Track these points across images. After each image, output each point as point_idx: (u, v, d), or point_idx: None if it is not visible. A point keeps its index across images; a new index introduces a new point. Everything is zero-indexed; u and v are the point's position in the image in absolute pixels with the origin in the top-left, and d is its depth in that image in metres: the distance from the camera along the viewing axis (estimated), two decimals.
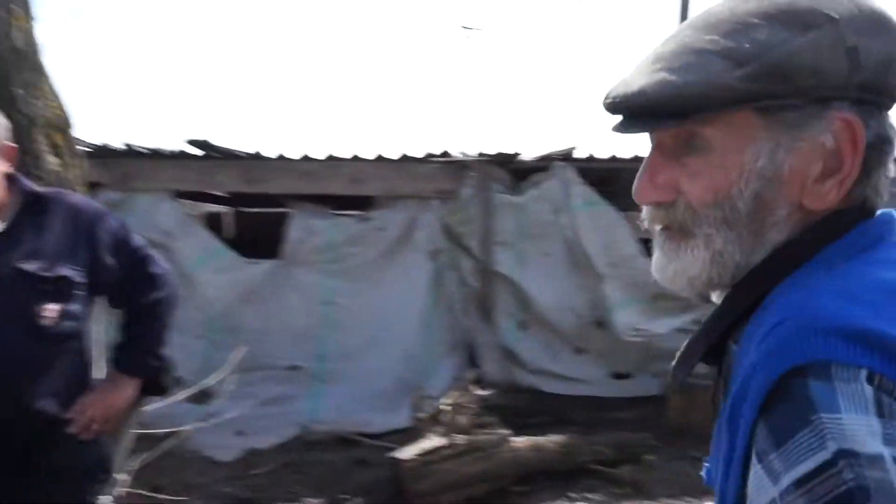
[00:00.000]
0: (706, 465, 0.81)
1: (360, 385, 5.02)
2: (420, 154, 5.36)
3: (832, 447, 0.53)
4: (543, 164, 5.43)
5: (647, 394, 5.52)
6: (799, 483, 0.54)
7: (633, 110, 0.70)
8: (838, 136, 0.66)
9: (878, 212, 0.72)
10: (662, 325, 5.55)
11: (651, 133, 0.74)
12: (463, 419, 4.17)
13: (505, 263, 5.44)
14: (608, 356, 5.64)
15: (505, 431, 4.26)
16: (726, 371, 0.74)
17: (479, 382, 4.54)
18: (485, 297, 5.50)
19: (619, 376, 5.69)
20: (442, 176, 5.31)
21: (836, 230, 0.68)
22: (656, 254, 0.78)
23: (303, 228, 5.10)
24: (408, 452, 3.87)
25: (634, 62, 0.76)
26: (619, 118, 0.74)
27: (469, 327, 5.55)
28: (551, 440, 4.46)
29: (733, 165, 0.68)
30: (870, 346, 0.57)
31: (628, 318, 5.49)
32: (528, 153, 5.55)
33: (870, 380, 0.56)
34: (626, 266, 5.52)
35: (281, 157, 5.18)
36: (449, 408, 4.20)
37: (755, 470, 0.59)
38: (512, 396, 5.19)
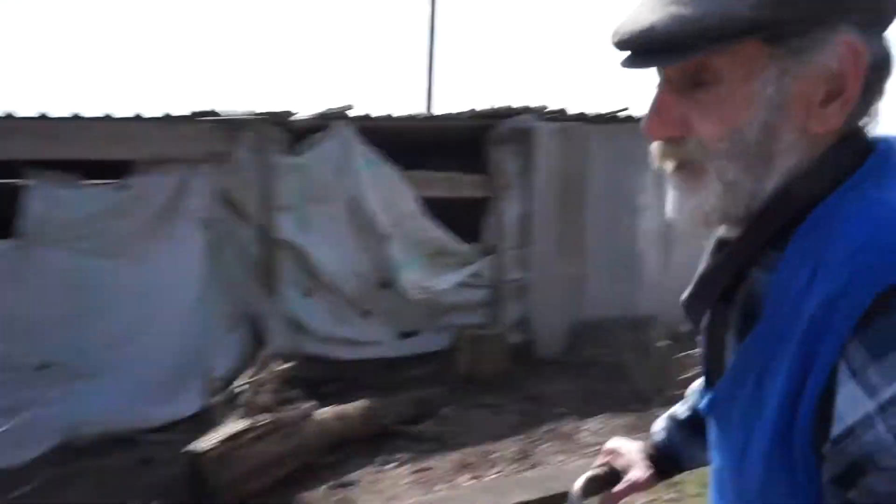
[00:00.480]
0: (709, 394, 0.81)
1: (132, 376, 4.44)
2: (185, 112, 4.79)
3: None
4: (322, 124, 5.19)
5: (436, 349, 5.68)
6: None
7: (644, 46, 0.69)
8: (842, 60, 0.66)
9: (881, 135, 0.74)
10: (445, 281, 5.72)
11: (660, 68, 0.73)
12: (265, 397, 3.89)
13: (287, 229, 5.15)
14: (395, 316, 5.67)
15: (308, 404, 4.09)
16: (748, 301, 0.74)
17: (275, 356, 4.27)
18: (267, 266, 5.17)
19: (406, 335, 5.77)
20: (212, 137, 4.81)
21: (855, 153, 0.71)
22: (671, 194, 0.77)
23: (46, 201, 4.29)
24: (207, 442, 3.52)
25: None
26: (626, 54, 0.72)
27: (251, 299, 5.19)
28: (354, 407, 4.38)
29: (742, 96, 0.68)
30: None
31: (413, 277, 5.56)
32: (303, 112, 5.26)
33: None
34: (408, 225, 5.56)
35: (9, 117, 4.27)
36: (247, 387, 3.88)
37: (847, 388, 0.59)
38: (303, 367, 5.00)
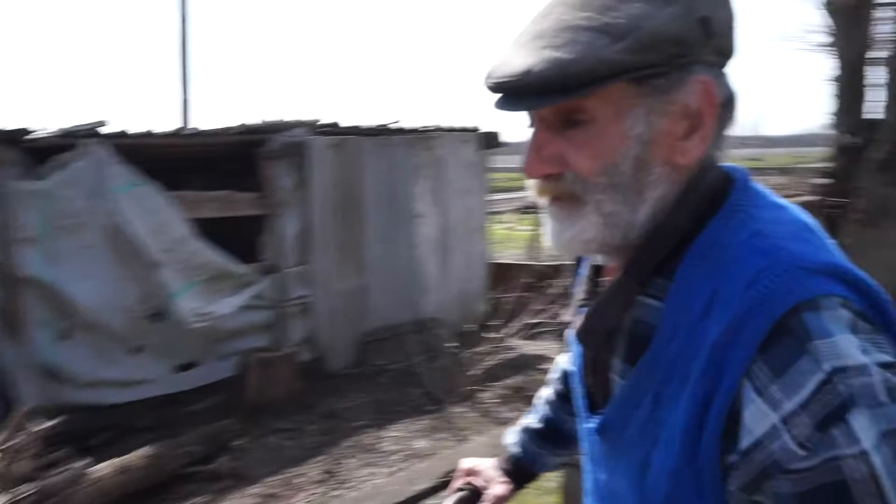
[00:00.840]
0: (595, 419, 0.85)
1: None
2: None
3: (827, 367, 0.63)
4: (69, 143, 4.60)
5: (221, 378, 5.32)
6: (803, 405, 0.62)
7: (521, 89, 0.72)
8: (700, 98, 0.74)
9: (728, 165, 0.83)
10: (225, 306, 5.39)
11: (534, 110, 0.77)
12: (23, 465, 3.35)
13: (32, 264, 4.49)
14: (171, 349, 5.22)
15: (80, 463, 3.59)
16: (636, 327, 0.78)
17: (32, 414, 3.68)
18: (10, 309, 4.46)
19: (185, 367, 5.34)
20: None
21: (716, 180, 0.79)
22: (549, 224, 0.81)
23: None
24: None
25: (510, 40, 0.77)
26: (499, 96, 0.75)
27: None
28: (136, 455, 3.95)
29: (614, 134, 0.74)
30: (838, 278, 0.68)
31: (190, 304, 5.16)
32: (46, 129, 4.62)
33: (843, 305, 0.67)
34: (179, 249, 5.14)
35: None
36: None
37: (753, 405, 0.65)
38: (68, 420, 4.40)
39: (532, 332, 5.48)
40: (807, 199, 6.01)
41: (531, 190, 0.82)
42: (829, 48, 8.36)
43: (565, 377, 1.25)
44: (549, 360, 5.49)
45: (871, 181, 6.01)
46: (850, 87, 7.75)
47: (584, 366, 0.92)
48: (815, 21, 8.47)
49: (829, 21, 8.08)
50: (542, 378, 5.21)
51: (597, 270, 0.90)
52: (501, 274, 7.09)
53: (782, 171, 6.75)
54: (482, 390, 5.16)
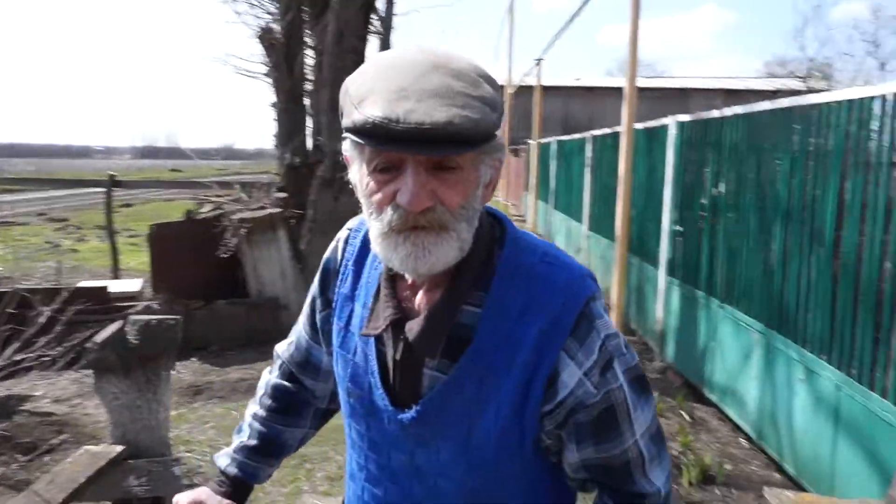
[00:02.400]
0: (407, 410, 1.05)
1: None
2: None
3: (602, 336, 1.02)
4: None
5: None
6: (595, 362, 1.01)
7: (437, 137, 0.86)
8: (501, 157, 1.03)
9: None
10: None
11: (449, 155, 0.91)
12: None
13: None
14: None
15: None
16: (454, 330, 1.01)
17: None
18: None
19: None
20: None
21: (491, 218, 1.09)
22: (407, 248, 0.95)
23: None
24: None
25: (389, 83, 0.90)
26: (396, 138, 0.87)
27: None
28: None
29: (472, 179, 0.97)
30: (593, 278, 1.07)
31: None
32: None
33: (600, 296, 1.06)
34: None
35: None
36: None
37: (567, 368, 0.99)
38: None
39: (11, 370, 4.71)
40: (271, 212, 6.72)
41: (394, 222, 0.94)
42: (268, 77, 9.43)
43: (278, 392, 1.37)
44: (39, 398, 4.83)
45: (319, 195, 7.12)
46: (290, 114, 8.92)
47: (382, 367, 1.08)
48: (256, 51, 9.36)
49: (265, 53, 9.10)
50: (28, 422, 4.59)
51: (392, 279, 1.08)
52: None
53: (244, 185, 7.34)
54: None
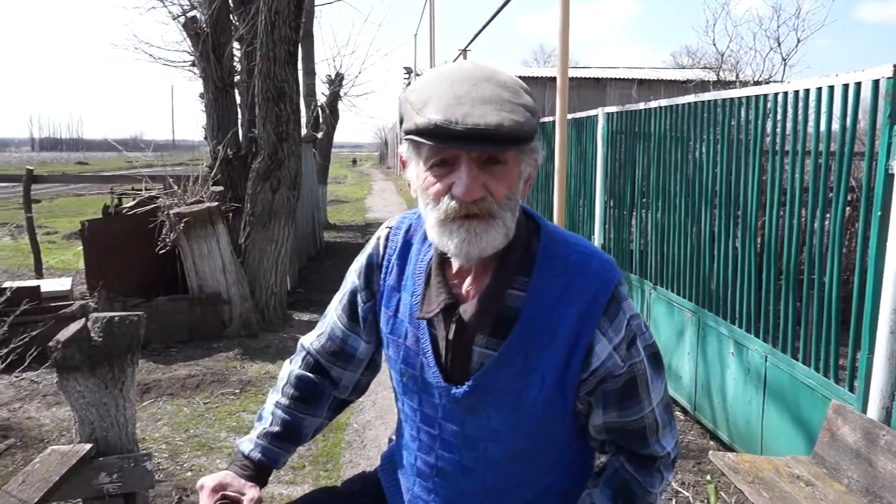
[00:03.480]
0: (461, 386, 1.18)
1: None
2: None
3: (628, 316, 1.19)
4: None
5: None
6: (622, 338, 1.17)
7: (491, 136, 1.01)
8: (537, 158, 1.19)
9: None
10: None
11: (499, 152, 1.08)
12: None
13: None
14: None
15: None
16: (504, 310, 1.16)
17: None
18: None
19: None
20: None
21: (530, 217, 1.24)
22: (462, 234, 1.10)
23: None
24: None
25: (447, 92, 1.05)
26: (458, 137, 1.02)
27: None
28: None
29: (516, 173, 1.14)
30: (618, 266, 1.23)
31: None
32: None
33: (623, 282, 1.22)
34: None
35: None
36: None
37: (600, 342, 1.16)
38: None
39: None
40: (208, 205, 6.63)
41: (450, 210, 1.07)
42: (194, 67, 9.22)
43: (301, 382, 1.47)
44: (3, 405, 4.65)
45: (257, 189, 7.07)
46: (220, 105, 8.76)
47: (435, 345, 1.21)
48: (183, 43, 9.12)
49: (191, 43, 8.89)
50: None
51: (442, 267, 1.21)
52: None
53: (177, 178, 7.18)
54: None
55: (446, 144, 1.03)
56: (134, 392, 3.13)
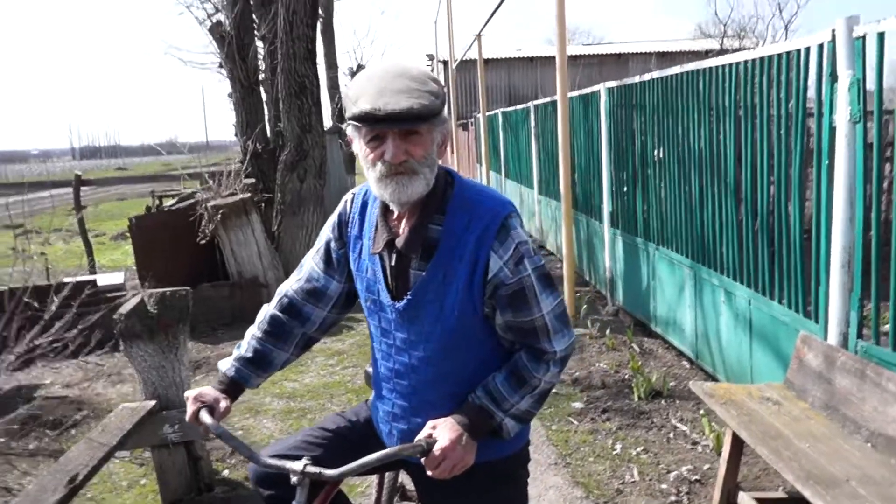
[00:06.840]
0: (403, 300, 1.59)
1: None
2: None
3: (516, 241, 1.57)
4: None
5: None
6: (510, 256, 1.55)
7: (404, 117, 1.43)
8: (446, 129, 1.60)
9: None
10: None
11: (412, 127, 1.48)
12: None
13: None
14: None
15: None
16: (427, 241, 1.56)
17: None
18: None
19: None
20: None
21: (443, 168, 1.64)
22: (393, 186, 1.50)
23: None
24: None
25: (366, 88, 1.46)
26: (380, 118, 1.44)
27: None
28: None
29: (429, 140, 1.53)
30: (510, 202, 1.62)
31: None
32: None
33: (517, 214, 1.62)
34: None
35: None
36: None
37: (493, 259, 1.54)
38: None
39: (24, 361, 5.10)
40: (242, 197, 7.14)
41: (380, 171, 1.49)
42: (222, 69, 9.73)
43: (274, 321, 1.82)
44: (49, 386, 5.25)
45: (285, 179, 7.56)
46: (247, 103, 9.27)
47: (385, 273, 1.62)
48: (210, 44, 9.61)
49: (217, 45, 9.40)
50: (49, 403, 5.02)
51: (385, 216, 1.62)
52: None
53: (213, 175, 7.70)
54: None
55: (375, 126, 1.45)
56: (187, 357, 3.63)
